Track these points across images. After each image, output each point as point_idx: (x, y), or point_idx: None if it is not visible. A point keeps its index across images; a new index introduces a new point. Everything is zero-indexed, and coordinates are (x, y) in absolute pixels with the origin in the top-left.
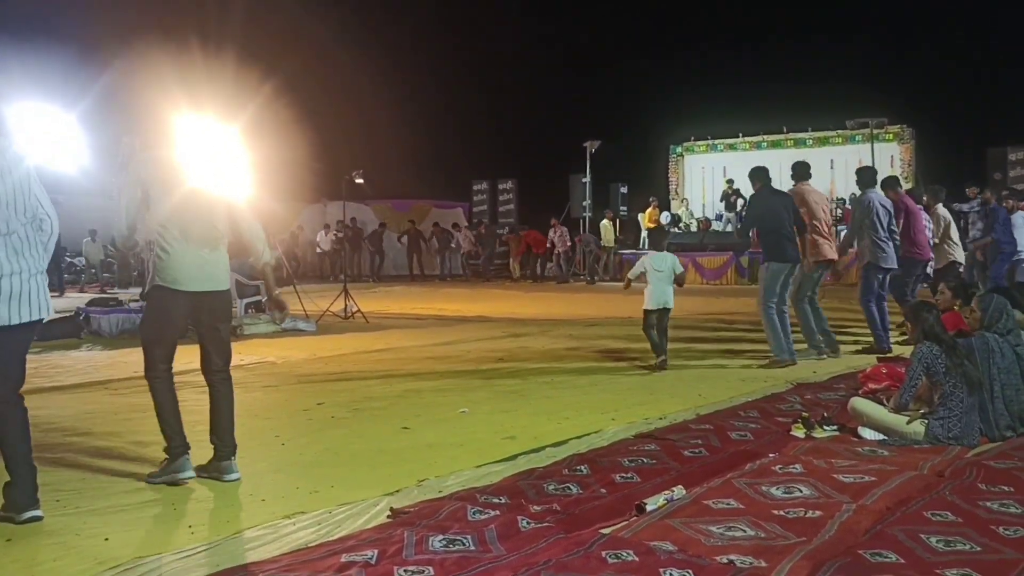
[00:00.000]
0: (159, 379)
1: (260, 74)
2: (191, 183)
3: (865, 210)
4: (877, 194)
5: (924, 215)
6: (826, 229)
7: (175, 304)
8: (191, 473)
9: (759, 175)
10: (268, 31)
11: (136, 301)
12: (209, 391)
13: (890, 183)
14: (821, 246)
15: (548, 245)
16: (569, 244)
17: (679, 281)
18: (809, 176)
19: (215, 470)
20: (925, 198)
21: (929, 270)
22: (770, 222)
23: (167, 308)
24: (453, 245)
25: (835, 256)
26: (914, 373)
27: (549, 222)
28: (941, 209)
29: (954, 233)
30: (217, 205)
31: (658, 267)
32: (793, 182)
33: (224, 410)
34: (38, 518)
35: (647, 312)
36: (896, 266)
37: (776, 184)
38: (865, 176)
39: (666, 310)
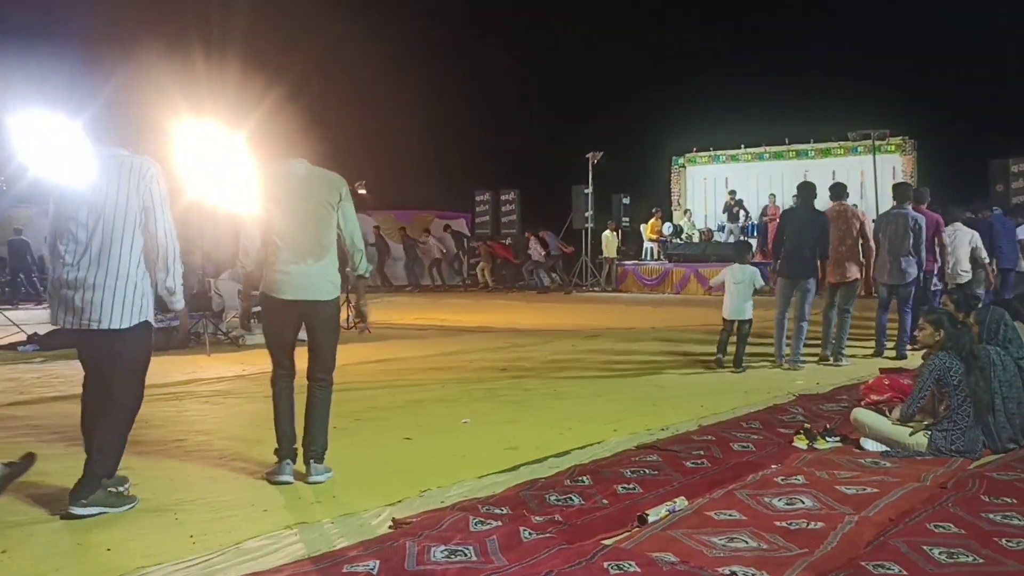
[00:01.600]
0: (278, 383)
1: (264, 83)
2: (300, 196)
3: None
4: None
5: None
6: (859, 247)
7: (280, 312)
8: (290, 479)
9: (801, 191)
10: (273, 41)
11: None
12: (307, 395)
13: (920, 197)
14: (847, 266)
15: (526, 255)
16: (544, 255)
17: (758, 291)
18: (846, 195)
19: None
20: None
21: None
22: (791, 239)
23: (272, 316)
24: (419, 253)
25: (858, 275)
26: (924, 384)
27: (553, 233)
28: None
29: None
30: (326, 217)
31: (737, 279)
32: (830, 201)
33: (314, 415)
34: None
35: (724, 321)
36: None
37: (781, 195)
38: (900, 192)
39: (742, 321)
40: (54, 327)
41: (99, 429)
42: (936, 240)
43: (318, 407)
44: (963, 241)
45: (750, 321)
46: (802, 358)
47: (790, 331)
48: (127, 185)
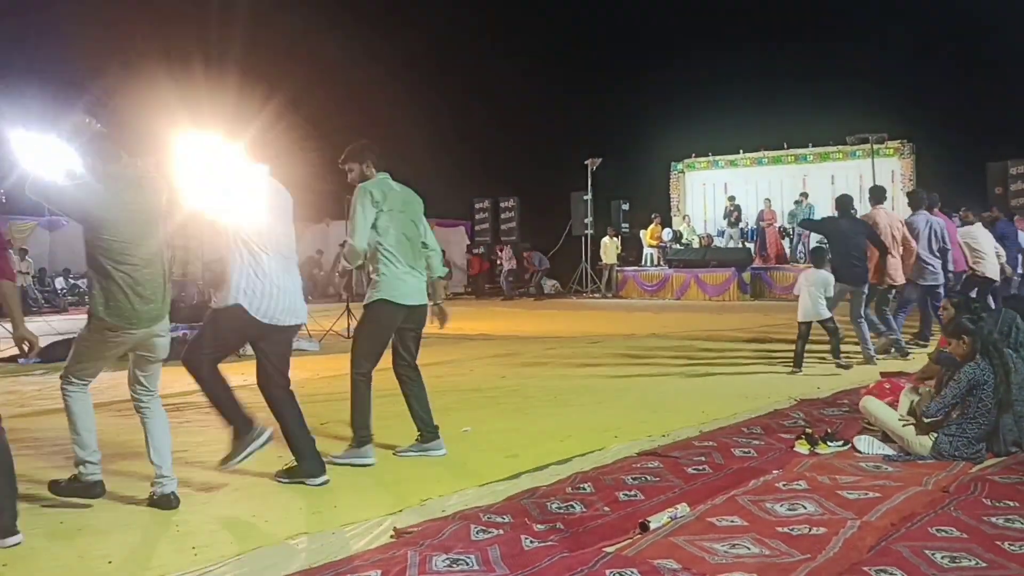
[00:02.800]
0: (363, 380)
1: (264, 93)
2: (408, 206)
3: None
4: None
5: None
6: (895, 250)
7: (394, 317)
8: (373, 460)
9: (840, 203)
10: (272, 51)
11: None
12: (404, 386)
13: (934, 202)
14: (889, 268)
15: (499, 264)
16: (515, 263)
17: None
18: (884, 199)
19: (424, 450)
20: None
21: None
22: (838, 244)
23: (385, 321)
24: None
25: (902, 280)
26: (959, 390)
27: (552, 240)
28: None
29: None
30: (419, 227)
31: (811, 282)
32: (870, 205)
33: (421, 399)
34: None
35: (799, 323)
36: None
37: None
38: (915, 199)
39: (821, 321)
40: (56, 340)
41: None
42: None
43: (423, 390)
44: (988, 241)
45: (830, 318)
46: (872, 351)
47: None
48: None
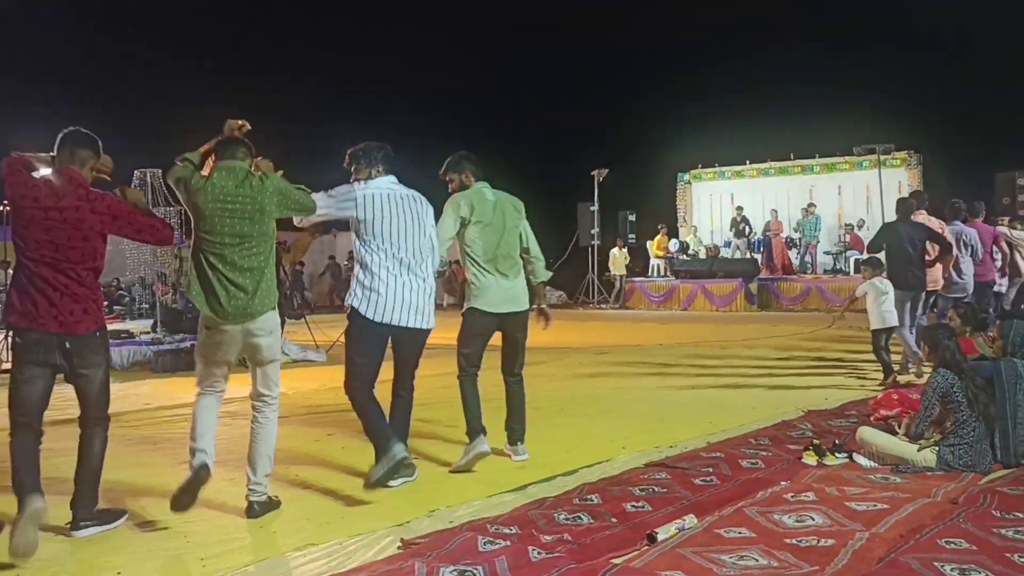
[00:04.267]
0: (468, 379)
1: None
2: (502, 215)
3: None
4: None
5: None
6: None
7: (485, 324)
8: (487, 448)
9: (899, 206)
10: (276, 58)
11: (147, 333)
12: (505, 389)
13: (976, 211)
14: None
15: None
16: None
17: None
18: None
19: (509, 451)
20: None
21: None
22: (895, 250)
23: (477, 327)
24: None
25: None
26: (929, 403)
27: (559, 250)
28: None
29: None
30: (516, 234)
31: (883, 289)
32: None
33: (516, 405)
34: None
35: (873, 332)
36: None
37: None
38: (953, 210)
39: (892, 328)
40: None
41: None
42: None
43: (520, 398)
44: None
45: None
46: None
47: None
48: None
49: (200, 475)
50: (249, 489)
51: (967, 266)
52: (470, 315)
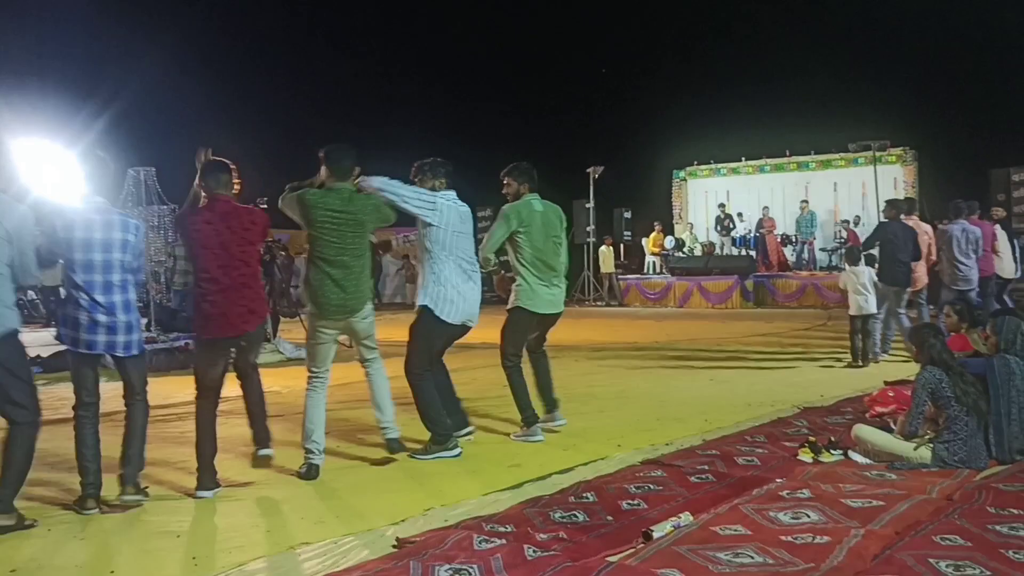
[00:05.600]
0: (516, 369)
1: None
2: (548, 226)
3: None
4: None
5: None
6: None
7: (531, 323)
8: (542, 437)
9: (889, 206)
10: (283, 67)
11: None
12: (532, 363)
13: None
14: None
15: None
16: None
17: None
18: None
19: (547, 420)
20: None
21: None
22: (885, 247)
23: (524, 326)
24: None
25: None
26: (919, 400)
27: None
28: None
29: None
30: (559, 241)
31: (859, 280)
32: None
33: (545, 374)
34: None
35: (851, 318)
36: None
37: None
38: (956, 209)
39: (867, 316)
40: (60, 349)
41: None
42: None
43: (547, 370)
44: (1004, 241)
45: (873, 313)
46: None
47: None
48: None
49: (311, 474)
50: (384, 428)
51: (971, 260)
52: (519, 314)
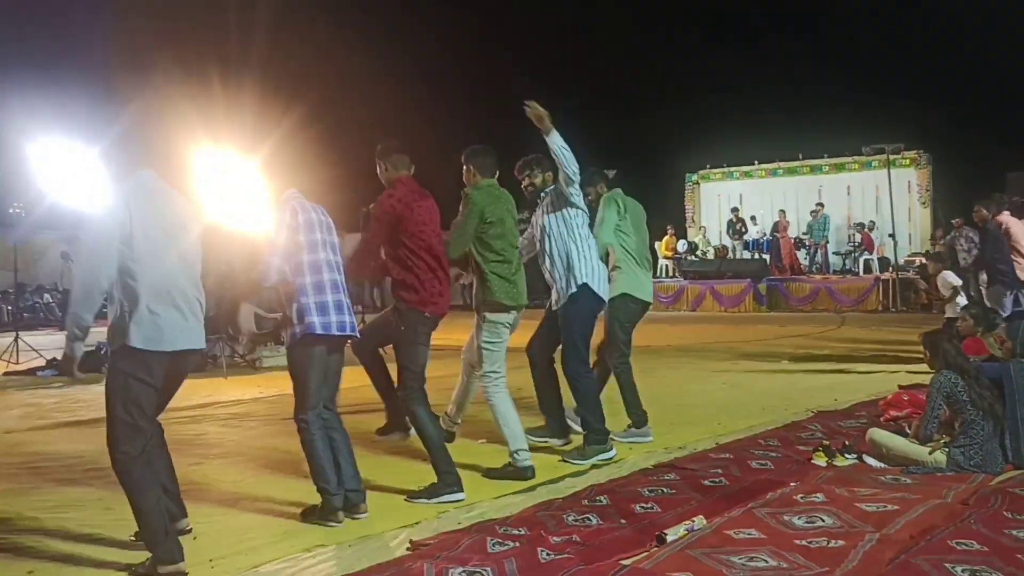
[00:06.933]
0: (627, 368)
1: (283, 105)
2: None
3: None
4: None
5: None
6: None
7: (637, 312)
8: (651, 438)
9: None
10: (290, 66)
11: None
12: (616, 375)
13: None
14: None
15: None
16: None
17: None
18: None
19: (634, 435)
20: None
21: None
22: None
23: (631, 315)
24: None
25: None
26: (935, 404)
27: None
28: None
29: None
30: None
31: (952, 282)
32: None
33: (633, 389)
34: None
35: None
36: None
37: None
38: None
39: None
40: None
41: None
42: None
43: (630, 381)
44: None
45: None
46: None
47: None
48: None
49: (527, 475)
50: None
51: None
52: (624, 303)
